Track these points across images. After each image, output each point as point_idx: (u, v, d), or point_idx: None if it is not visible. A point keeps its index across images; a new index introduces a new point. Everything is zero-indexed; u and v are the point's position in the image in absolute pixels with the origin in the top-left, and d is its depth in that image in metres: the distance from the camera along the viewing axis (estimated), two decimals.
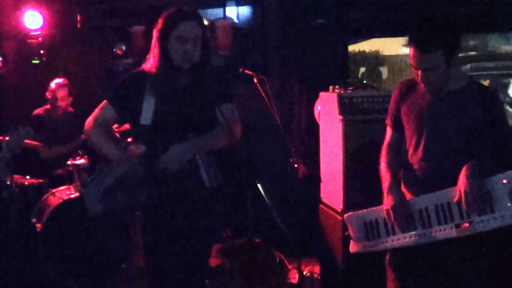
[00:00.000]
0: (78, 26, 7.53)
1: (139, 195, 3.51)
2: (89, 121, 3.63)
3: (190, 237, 3.61)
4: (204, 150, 3.55)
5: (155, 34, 3.52)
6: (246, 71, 5.61)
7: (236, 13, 7.49)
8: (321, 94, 4.94)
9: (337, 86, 4.78)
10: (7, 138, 3.63)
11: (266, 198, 3.05)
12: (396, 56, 7.54)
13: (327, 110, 4.83)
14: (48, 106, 6.98)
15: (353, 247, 3.79)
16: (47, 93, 6.93)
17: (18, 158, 5.97)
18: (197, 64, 3.45)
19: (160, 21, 3.51)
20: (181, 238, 3.60)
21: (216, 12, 7.44)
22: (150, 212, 3.62)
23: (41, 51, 7.59)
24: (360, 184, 4.54)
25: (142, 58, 3.75)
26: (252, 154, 6.06)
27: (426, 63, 3.34)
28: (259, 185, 3.08)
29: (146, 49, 3.65)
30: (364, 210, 3.73)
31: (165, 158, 3.45)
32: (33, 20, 7.23)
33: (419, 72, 3.39)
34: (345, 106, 4.56)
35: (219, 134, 3.51)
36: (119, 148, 3.57)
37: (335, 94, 4.61)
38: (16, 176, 6.24)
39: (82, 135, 6.13)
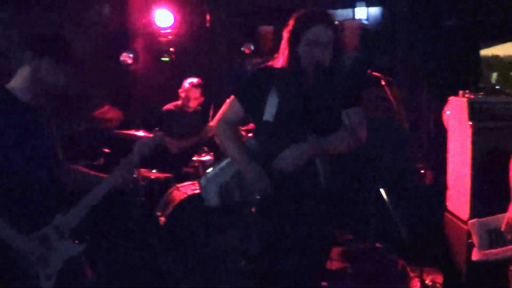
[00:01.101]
0: (207, 25, 7.67)
1: (255, 192, 3.52)
2: (218, 116, 3.68)
3: (304, 238, 3.57)
4: (324, 152, 3.49)
5: (285, 35, 3.50)
6: (373, 73, 5.53)
7: (365, 14, 7.42)
8: (451, 98, 4.81)
9: (467, 91, 4.64)
10: (140, 140, 3.72)
11: (388, 204, 3.00)
12: None
13: (456, 115, 4.69)
14: (179, 103, 7.12)
15: (475, 255, 3.68)
16: (180, 91, 7.07)
17: None
18: (326, 67, 3.40)
19: (291, 22, 3.46)
20: (295, 238, 3.56)
21: (346, 13, 7.40)
22: (264, 210, 3.62)
23: (171, 49, 7.76)
24: (488, 192, 4.38)
25: (269, 58, 3.75)
26: (376, 158, 5.97)
27: None
28: (381, 190, 3.03)
29: (274, 49, 3.65)
30: (489, 218, 3.61)
31: (281, 157, 3.43)
32: (163, 19, 7.43)
33: None
34: (475, 112, 4.43)
35: (342, 137, 3.46)
36: (243, 155, 3.54)
37: (465, 99, 4.48)
38: (142, 169, 6.41)
39: (209, 131, 6.35)
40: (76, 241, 3.33)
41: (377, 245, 5.94)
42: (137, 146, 3.59)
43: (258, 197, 3.51)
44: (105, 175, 3.50)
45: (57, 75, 3.22)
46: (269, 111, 3.47)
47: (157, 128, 3.87)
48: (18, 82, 3.22)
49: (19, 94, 3.21)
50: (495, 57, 7.16)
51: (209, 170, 3.73)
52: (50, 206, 3.30)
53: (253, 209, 3.74)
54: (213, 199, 3.62)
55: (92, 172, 3.59)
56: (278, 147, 3.45)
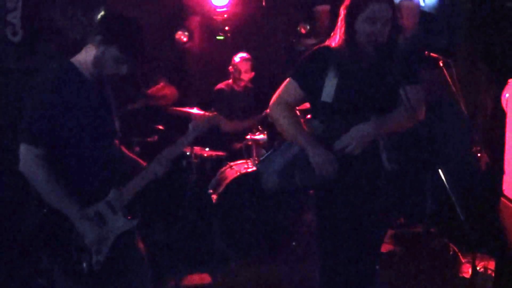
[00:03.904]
0: (263, 4, 7.64)
1: (321, 176, 3.46)
2: (274, 97, 3.65)
3: (364, 221, 3.55)
4: (386, 131, 3.44)
5: (342, 11, 3.46)
6: (431, 54, 5.44)
7: None
8: (510, 81, 4.70)
9: None
10: (195, 121, 3.74)
11: (446, 185, 2.94)
12: None
13: None
14: (230, 81, 7.13)
15: None
16: (229, 67, 7.08)
17: None
18: (384, 45, 3.36)
19: None
20: (355, 220, 3.54)
21: None
22: (325, 192, 3.59)
23: (226, 28, 7.79)
24: None
25: (325, 38, 3.71)
26: (435, 140, 5.89)
27: None
28: (440, 171, 2.97)
29: (330, 29, 3.60)
30: None
31: (346, 139, 3.39)
32: None
33: None
34: None
35: (401, 115, 3.41)
36: (307, 137, 3.49)
37: None
38: (196, 147, 6.45)
39: (263, 112, 6.34)
40: (129, 217, 3.37)
41: (431, 229, 5.86)
42: (192, 124, 3.61)
43: (322, 180, 3.45)
44: (143, 163, 3.57)
45: (120, 65, 3.26)
46: (328, 92, 3.43)
47: (212, 108, 3.88)
48: (82, 59, 3.27)
49: (82, 69, 3.27)
50: None
51: (267, 154, 3.71)
52: (106, 181, 3.36)
53: (311, 192, 3.71)
54: (272, 184, 3.57)
55: (132, 156, 3.68)
56: (338, 128, 3.42)
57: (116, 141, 3.54)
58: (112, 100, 3.47)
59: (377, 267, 3.73)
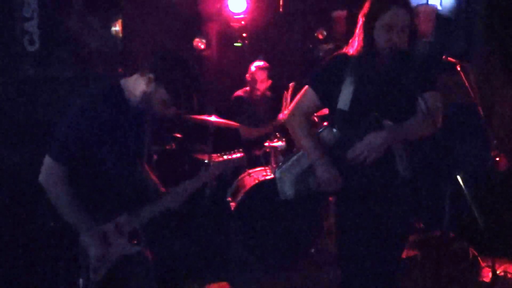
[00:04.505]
0: (281, 10, 7.65)
1: (324, 187, 3.49)
2: (290, 107, 3.67)
3: (383, 227, 3.55)
4: (402, 139, 3.45)
5: (361, 19, 3.47)
6: (449, 58, 5.43)
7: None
8: None
9: None
10: (218, 162, 3.78)
11: (465, 191, 2.94)
12: None
13: None
14: (247, 88, 7.15)
15: None
16: (247, 75, 7.10)
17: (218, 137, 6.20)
18: (402, 52, 3.35)
19: (366, 5, 3.43)
20: (374, 227, 3.54)
21: None
22: (342, 199, 3.61)
23: (244, 34, 7.78)
24: None
25: (342, 43, 3.71)
26: (453, 145, 5.87)
27: None
28: (458, 177, 2.97)
29: (347, 34, 3.60)
30: None
31: (360, 147, 3.39)
32: (237, 4, 7.46)
33: None
34: None
35: (418, 122, 3.41)
36: (314, 148, 3.51)
37: None
38: (214, 155, 6.46)
39: (279, 117, 6.34)
40: (134, 241, 3.38)
41: (450, 234, 5.84)
42: (212, 167, 3.63)
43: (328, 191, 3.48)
44: (162, 189, 3.57)
45: (167, 107, 3.25)
46: (344, 100, 3.44)
47: (238, 151, 3.92)
48: (131, 86, 3.26)
49: (128, 96, 3.26)
50: None
51: (284, 161, 3.72)
52: (120, 204, 3.37)
53: (330, 199, 3.72)
54: (288, 191, 3.59)
55: (153, 177, 3.67)
56: (354, 136, 3.42)
57: (145, 164, 3.57)
58: (148, 125, 3.47)
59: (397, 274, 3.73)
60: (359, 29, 3.48)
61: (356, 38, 3.51)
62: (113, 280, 3.30)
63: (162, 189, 3.60)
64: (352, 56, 3.50)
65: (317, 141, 3.55)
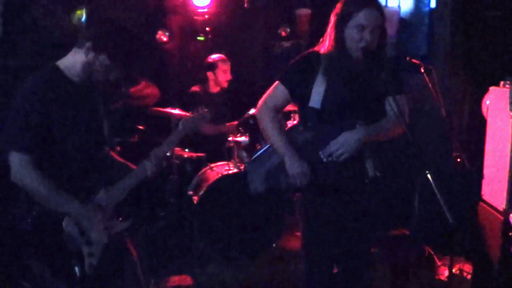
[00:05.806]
0: (245, 5, 7.64)
1: (293, 181, 3.52)
2: (260, 101, 3.68)
3: (349, 224, 3.61)
4: (374, 139, 3.50)
5: (332, 18, 3.50)
6: (413, 60, 5.52)
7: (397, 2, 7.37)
8: (491, 88, 4.77)
9: (508, 81, 4.61)
10: (185, 118, 3.77)
11: (435, 189, 2.99)
12: None
13: (496, 105, 4.66)
14: (205, 84, 7.06)
15: None
16: (204, 68, 7.04)
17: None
18: (372, 52, 3.39)
19: (339, 5, 3.46)
20: (340, 224, 3.60)
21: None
22: (310, 194, 3.64)
23: (207, 29, 7.77)
24: None
25: (302, 41, 3.74)
26: (419, 144, 5.95)
27: None
28: (428, 176, 3.02)
29: (310, 33, 3.62)
30: None
31: (334, 145, 3.43)
32: None
33: None
34: None
35: (391, 123, 3.48)
36: (283, 142, 3.55)
37: (507, 90, 4.44)
38: (176, 148, 6.42)
39: (244, 114, 6.33)
40: (120, 219, 3.38)
41: (405, 231, 5.92)
42: (182, 122, 3.63)
43: (305, 183, 3.51)
44: (133, 166, 3.57)
45: (109, 73, 3.26)
46: (315, 98, 3.47)
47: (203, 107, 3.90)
48: (70, 63, 3.26)
49: (69, 73, 3.25)
50: None
51: (255, 156, 3.74)
52: (94, 185, 3.36)
53: (297, 194, 3.75)
54: (259, 186, 3.63)
55: (120, 159, 3.67)
56: (325, 134, 3.46)
57: (107, 148, 3.55)
58: (100, 104, 3.46)
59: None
60: (331, 28, 3.50)
61: (328, 37, 3.53)
62: (108, 262, 3.31)
63: (133, 166, 3.59)
64: (323, 55, 3.52)
65: (287, 135, 3.59)
